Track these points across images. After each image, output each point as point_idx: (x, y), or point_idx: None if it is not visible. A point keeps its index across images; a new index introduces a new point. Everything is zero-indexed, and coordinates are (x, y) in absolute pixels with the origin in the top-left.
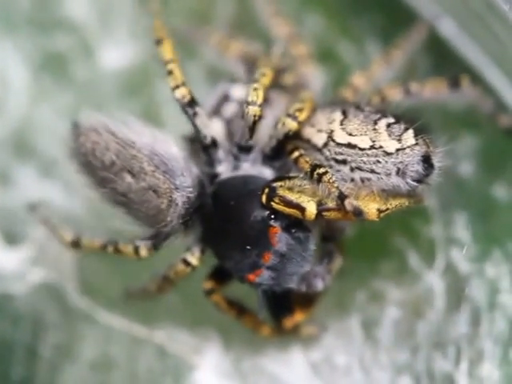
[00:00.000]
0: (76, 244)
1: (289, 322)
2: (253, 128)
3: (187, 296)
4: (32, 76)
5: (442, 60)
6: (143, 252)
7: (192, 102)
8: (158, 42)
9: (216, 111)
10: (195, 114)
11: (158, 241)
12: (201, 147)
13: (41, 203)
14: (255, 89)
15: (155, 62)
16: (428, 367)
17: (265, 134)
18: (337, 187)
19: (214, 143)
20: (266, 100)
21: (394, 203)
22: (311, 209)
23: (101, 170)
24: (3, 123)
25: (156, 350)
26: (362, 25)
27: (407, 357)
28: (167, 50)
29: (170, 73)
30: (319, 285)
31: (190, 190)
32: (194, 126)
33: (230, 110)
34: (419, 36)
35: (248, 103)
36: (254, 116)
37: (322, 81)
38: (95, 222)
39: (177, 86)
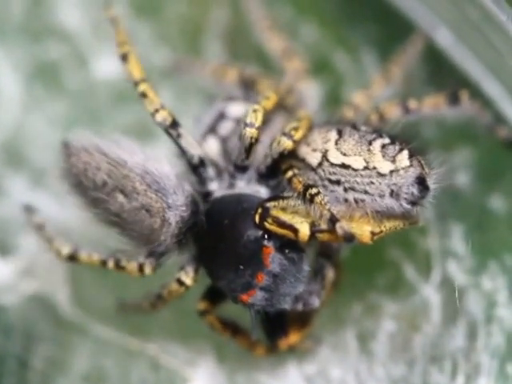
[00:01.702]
0: (72, 258)
1: (283, 344)
2: (249, 150)
3: (181, 308)
4: (24, 85)
5: (439, 71)
6: (148, 270)
7: (174, 124)
8: (124, 58)
9: (212, 129)
10: (179, 135)
11: (161, 258)
12: (190, 167)
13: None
14: (255, 110)
15: (149, 71)
16: (424, 381)
17: (260, 153)
18: (328, 209)
19: (202, 162)
20: (264, 123)
21: (388, 225)
22: (304, 230)
23: (93, 190)
24: None
25: (149, 362)
26: (358, 35)
27: (403, 370)
28: (135, 68)
29: (144, 95)
30: (316, 302)
31: (183, 208)
32: (180, 147)
33: (226, 128)
34: (415, 49)
35: (246, 124)
36: (251, 138)
37: (319, 97)
38: (87, 232)
39: (156, 110)
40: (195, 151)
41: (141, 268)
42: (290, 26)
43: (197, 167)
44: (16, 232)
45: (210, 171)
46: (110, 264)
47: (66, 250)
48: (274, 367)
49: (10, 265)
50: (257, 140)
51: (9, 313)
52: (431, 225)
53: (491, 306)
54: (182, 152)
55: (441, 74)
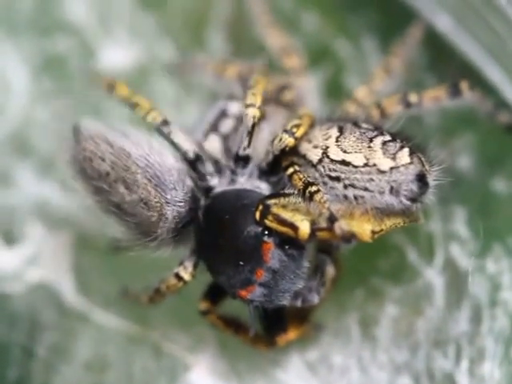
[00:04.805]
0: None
1: (282, 340)
2: (252, 132)
3: (183, 295)
4: (32, 77)
5: (440, 56)
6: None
7: (165, 122)
8: (110, 88)
9: (213, 127)
10: (170, 132)
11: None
12: (187, 163)
13: None
14: (253, 93)
15: (154, 63)
16: (428, 366)
17: (262, 149)
18: (328, 208)
19: (198, 157)
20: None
21: (388, 223)
22: (304, 228)
23: (96, 179)
24: (3, 124)
25: (151, 349)
26: (359, 22)
27: (406, 356)
28: (122, 89)
29: (137, 105)
30: (315, 299)
31: (181, 204)
32: (173, 144)
33: (227, 125)
34: (415, 40)
35: (247, 105)
36: (254, 117)
37: (318, 93)
38: (93, 222)
39: (147, 112)
40: (189, 146)
41: (179, 277)
42: (291, 14)
43: (193, 162)
44: (22, 221)
45: (209, 166)
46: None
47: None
48: (276, 354)
49: (15, 253)
50: (259, 120)
51: (14, 301)
52: (434, 208)
53: (495, 290)
54: (176, 148)
55: (442, 59)
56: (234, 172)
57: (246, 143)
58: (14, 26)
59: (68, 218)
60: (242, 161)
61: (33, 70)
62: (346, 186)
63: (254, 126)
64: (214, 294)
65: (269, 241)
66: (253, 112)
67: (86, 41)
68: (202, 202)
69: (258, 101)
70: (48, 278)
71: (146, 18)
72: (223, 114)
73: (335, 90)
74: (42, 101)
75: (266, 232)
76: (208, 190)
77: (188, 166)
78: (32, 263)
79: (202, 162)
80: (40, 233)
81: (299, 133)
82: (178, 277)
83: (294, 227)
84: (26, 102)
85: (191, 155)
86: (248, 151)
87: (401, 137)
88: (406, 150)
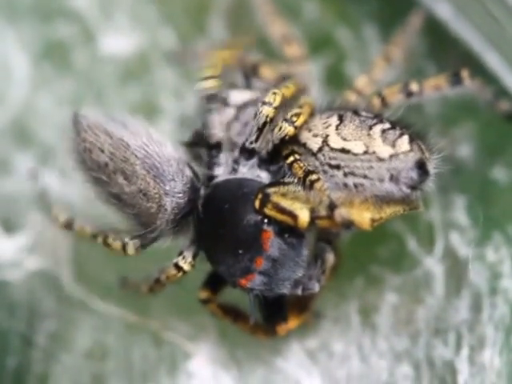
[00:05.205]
0: (68, 226)
1: (282, 329)
2: (262, 129)
3: (183, 284)
4: (33, 64)
5: (440, 44)
6: (130, 250)
7: (213, 97)
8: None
9: None
10: (211, 109)
11: (146, 240)
12: (205, 146)
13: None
14: (274, 93)
15: (155, 50)
16: (428, 354)
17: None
18: (328, 196)
19: (219, 144)
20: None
21: (388, 211)
22: (304, 216)
23: (95, 170)
24: (4, 111)
25: (151, 338)
26: (359, 10)
27: (406, 344)
28: (224, 54)
29: (212, 66)
30: (315, 287)
31: (180, 195)
32: (205, 119)
33: (227, 115)
34: (414, 29)
35: (264, 103)
36: (267, 117)
37: (318, 82)
38: (91, 211)
39: (206, 78)
40: (217, 132)
41: (124, 247)
42: (292, 2)
43: (211, 148)
44: (22, 209)
45: (223, 157)
46: (99, 239)
47: (63, 218)
48: (276, 342)
49: (15, 241)
50: (271, 120)
51: (13, 289)
52: (433, 197)
53: (495, 278)
54: (205, 126)
55: (442, 47)
56: (236, 162)
57: (253, 138)
58: (15, 12)
59: (67, 205)
60: (247, 153)
61: (34, 57)
62: (345, 174)
63: (265, 123)
64: (214, 282)
65: (268, 229)
66: (267, 111)
67: (88, 27)
68: (202, 191)
69: (276, 102)
70: (47, 266)
71: (147, 5)
72: (224, 103)
73: (336, 79)
74: (43, 88)
75: (266, 220)
76: (210, 178)
77: (205, 149)
78: (31, 251)
79: (219, 151)
80: (39, 221)
81: (299, 121)
82: (178, 267)
83: (294, 215)
84: (26, 89)
85: (213, 140)
86: (254, 145)
87: (400, 124)
88: (405, 138)
